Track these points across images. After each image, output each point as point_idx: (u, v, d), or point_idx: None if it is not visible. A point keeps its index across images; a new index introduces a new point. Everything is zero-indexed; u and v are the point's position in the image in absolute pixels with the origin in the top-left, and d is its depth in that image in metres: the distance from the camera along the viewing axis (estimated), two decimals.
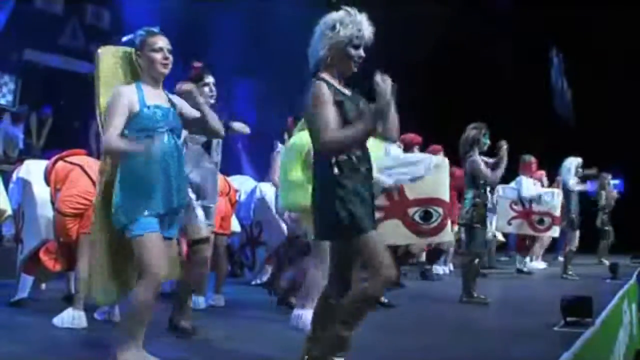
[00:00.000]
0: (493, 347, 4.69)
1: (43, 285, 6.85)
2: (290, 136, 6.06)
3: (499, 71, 14.26)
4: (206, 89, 4.96)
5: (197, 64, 5.06)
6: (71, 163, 5.63)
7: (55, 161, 5.68)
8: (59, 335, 5.01)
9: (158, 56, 3.90)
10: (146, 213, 3.70)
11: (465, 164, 7.01)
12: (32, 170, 6.07)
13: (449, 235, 7.07)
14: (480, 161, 6.95)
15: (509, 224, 10.65)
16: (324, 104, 3.37)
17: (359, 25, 3.49)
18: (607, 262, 10.78)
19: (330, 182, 3.39)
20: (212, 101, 4.95)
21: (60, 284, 6.50)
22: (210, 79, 5.03)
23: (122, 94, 3.80)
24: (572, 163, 9.75)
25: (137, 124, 3.79)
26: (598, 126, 13.72)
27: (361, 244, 3.38)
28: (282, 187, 5.47)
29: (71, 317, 5.21)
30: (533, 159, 10.56)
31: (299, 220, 5.91)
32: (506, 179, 10.31)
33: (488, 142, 7.04)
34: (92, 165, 5.71)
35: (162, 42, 3.93)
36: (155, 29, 3.98)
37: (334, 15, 3.53)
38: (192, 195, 4.85)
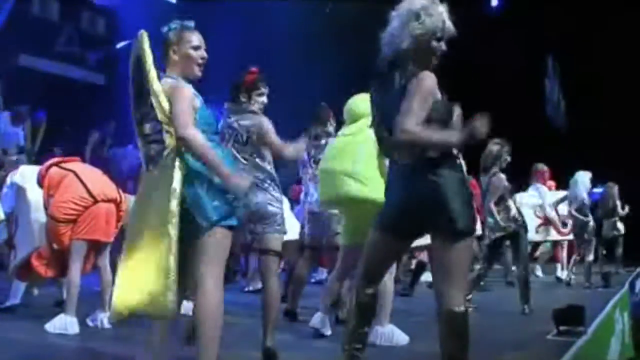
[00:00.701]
0: (485, 356, 4.69)
1: (35, 291, 6.84)
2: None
3: (494, 79, 14.29)
4: (261, 99, 4.74)
5: (255, 69, 4.79)
6: (65, 169, 5.63)
7: (49, 167, 5.68)
8: (51, 341, 5.02)
9: (196, 55, 3.58)
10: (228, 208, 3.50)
11: (488, 180, 7.05)
12: (27, 175, 6.06)
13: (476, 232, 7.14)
14: (504, 179, 7.06)
15: (537, 232, 10.64)
16: (429, 97, 3.18)
17: (443, 15, 3.29)
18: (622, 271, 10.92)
19: (460, 180, 3.29)
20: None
21: (53, 290, 6.48)
22: (266, 89, 4.77)
23: (187, 86, 3.51)
24: (586, 177, 9.77)
25: (201, 124, 3.48)
26: (592, 136, 13.76)
27: (466, 248, 3.27)
28: (337, 177, 5.00)
29: (63, 323, 5.22)
30: (546, 168, 10.61)
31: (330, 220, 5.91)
32: (520, 186, 10.36)
33: (509, 158, 7.13)
34: (86, 171, 5.71)
35: (198, 39, 3.61)
36: (191, 24, 3.65)
37: (417, 3, 3.28)
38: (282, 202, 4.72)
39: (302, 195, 6.77)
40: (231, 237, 3.55)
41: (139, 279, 3.42)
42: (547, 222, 10.56)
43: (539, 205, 10.46)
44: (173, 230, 3.32)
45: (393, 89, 3.29)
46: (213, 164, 3.41)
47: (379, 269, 3.58)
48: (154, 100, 3.43)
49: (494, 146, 7.08)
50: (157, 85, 3.44)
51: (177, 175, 3.38)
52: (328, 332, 5.29)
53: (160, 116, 3.42)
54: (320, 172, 5.32)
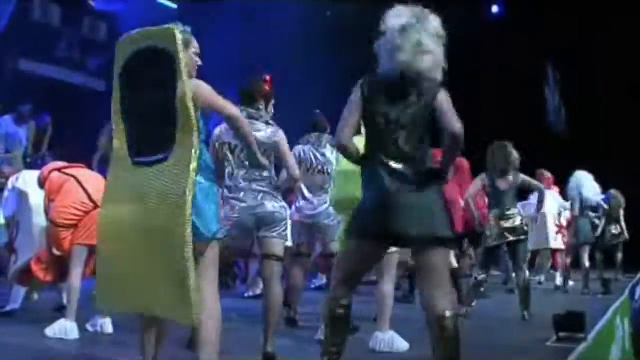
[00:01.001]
0: None
1: (35, 296, 6.83)
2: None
3: (494, 85, 14.32)
4: (272, 108, 4.82)
5: (268, 78, 4.87)
6: (66, 174, 5.63)
7: (50, 171, 5.68)
8: (51, 345, 5.00)
9: (196, 60, 3.66)
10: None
11: (515, 180, 7.10)
12: (28, 180, 6.06)
13: None
14: None
15: (554, 239, 10.70)
16: None
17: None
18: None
19: (441, 190, 3.46)
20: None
21: (53, 295, 6.47)
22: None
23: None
24: (589, 178, 9.82)
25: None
26: (592, 142, 13.77)
27: (448, 253, 3.50)
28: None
29: (63, 328, 5.21)
30: (550, 174, 10.67)
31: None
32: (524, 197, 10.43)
33: None
34: (87, 176, 5.70)
35: (197, 46, 3.69)
36: (188, 29, 3.66)
37: (437, 23, 3.40)
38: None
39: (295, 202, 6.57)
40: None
41: (154, 280, 3.43)
42: (561, 228, 10.62)
43: (558, 212, 10.55)
44: (189, 236, 3.34)
45: (409, 102, 3.36)
46: (253, 144, 3.78)
47: (357, 277, 3.60)
48: (180, 102, 3.39)
49: (513, 149, 7.14)
50: (190, 86, 3.43)
51: (190, 182, 3.36)
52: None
53: (183, 114, 3.39)
54: (341, 172, 5.15)
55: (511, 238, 7.04)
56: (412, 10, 3.39)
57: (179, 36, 3.45)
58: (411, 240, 3.43)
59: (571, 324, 5.43)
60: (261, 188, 4.57)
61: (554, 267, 11.35)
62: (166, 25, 3.50)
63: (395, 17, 3.39)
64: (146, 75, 3.53)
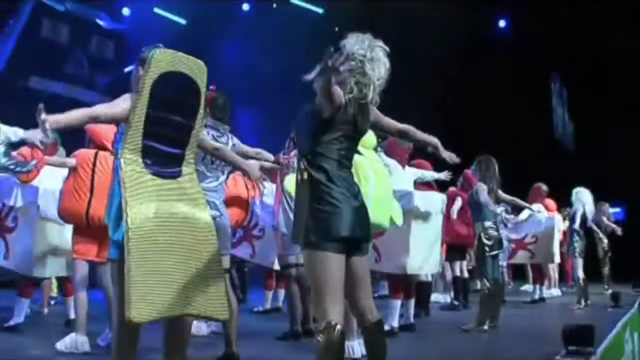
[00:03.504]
0: None
1: (45, 310, 6.88)
2: None
3: (501, 100, 14.34)
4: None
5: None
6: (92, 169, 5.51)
7: (96, 153, 5.56)
8: None
9: None
10: None
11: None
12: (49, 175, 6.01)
13: None
14: None
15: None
16: None
17: None
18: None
19: None
20: None
21: (63, 309, 6.51)
22: None
23: None
24: (587, 194, 9.93)
25: None
26: (598, 154, 13.77)
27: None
28: (386, 204, 4.97)
29: (74, 342, 5.22)
30: (546, 187, 10.82)
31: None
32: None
33: None
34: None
35: None
36: None
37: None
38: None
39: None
40: None
41: (192, 283, 3.65)
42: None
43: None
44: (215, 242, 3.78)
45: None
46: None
47: (362, 294, 3.38)
48: (197, 131, 3.88)
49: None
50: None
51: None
52: (358, 355, 5.03)
53: (194, 138, 3.87)
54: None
55: (498, 250, 7.20)
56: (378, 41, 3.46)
57: (205, 70, 3.86)
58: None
59: (580, 337, 5.41)
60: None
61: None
62: (200, 61, 3.84)
63: (368, 47, 3.44)
64: (175, 99, 3.77)
